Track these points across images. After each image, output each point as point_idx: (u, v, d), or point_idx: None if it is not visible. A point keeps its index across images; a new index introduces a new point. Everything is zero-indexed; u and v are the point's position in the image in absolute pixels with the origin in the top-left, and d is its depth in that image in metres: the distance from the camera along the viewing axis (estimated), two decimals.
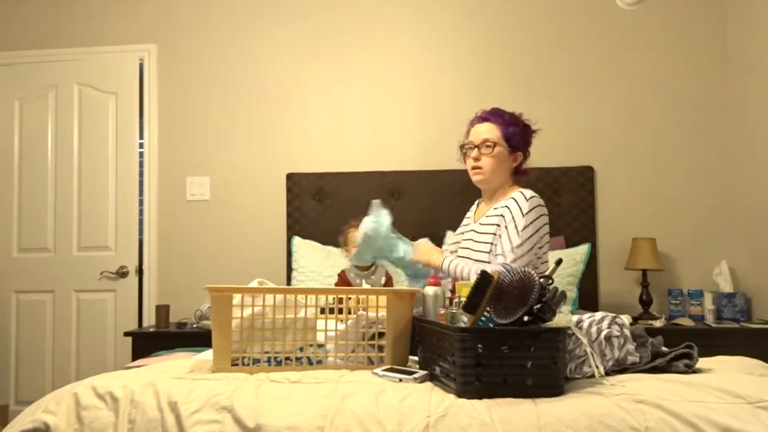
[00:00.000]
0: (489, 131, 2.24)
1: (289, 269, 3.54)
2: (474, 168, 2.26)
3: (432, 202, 3.61)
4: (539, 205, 2.18)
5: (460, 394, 1.41)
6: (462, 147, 2.33)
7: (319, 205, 3.70)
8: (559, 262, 1.62)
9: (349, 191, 3.67)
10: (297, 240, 3.55)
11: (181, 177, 3.89)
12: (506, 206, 2.19)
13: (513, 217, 2.15)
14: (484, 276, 1.53)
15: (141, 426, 1.44)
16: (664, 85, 3.62)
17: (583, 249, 3.32)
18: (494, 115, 2.27)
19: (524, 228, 2.12)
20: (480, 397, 1.40)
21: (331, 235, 3.50)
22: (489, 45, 3.75)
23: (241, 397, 1.45)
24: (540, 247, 2.17)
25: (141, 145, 3.95)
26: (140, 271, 3.89)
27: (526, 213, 2.13)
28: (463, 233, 2.40)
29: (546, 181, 3.55)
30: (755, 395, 1.38)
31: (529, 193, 2.19)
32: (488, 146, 2.22)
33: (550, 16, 3.72)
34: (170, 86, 3.94)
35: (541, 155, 3.54)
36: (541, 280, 1.48)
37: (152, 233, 3.88)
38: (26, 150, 3.98)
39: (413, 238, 3.46)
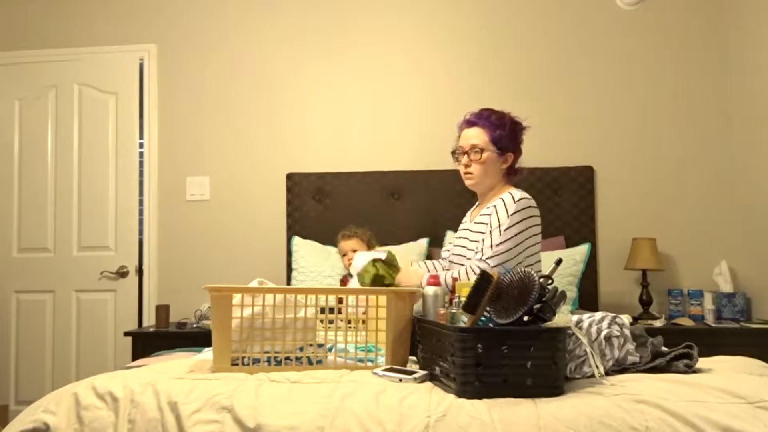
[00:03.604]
0: (477, 136, 2.25)
1: (289, 269, 3.54)
2: (466, 173, 2.29)
3: (432, 202, 3.61)
4: (528, 207, 2.17)
5: (460, 394, 1.41)
6: (454, 153, 2.34)
7: (319, 205, 3.70)
8: (559, 262, 1.61)
9: (349, 191, 3.68)
10: (297, 240, 3.55)
11: (181, 177, 3.89)
12: (494, 206, 2.19)
13: (498, 217, 2.15)
14: (484, 276, 1.52)
15: (141, 426, 1.44)
16: (664, 85, 3.62)
17: (583, 249, 3.32)
18: (482, 119, 2.27)
19: (507, 228, 2.12)
20: (480, 397, 1.40)
21: (331, 235, 3.49)
22: (489, 45, 3.75)
23: (241, 397, 1.45)
24: (526, 248, 2.16)
25: (141, 145, 3.94)
26: (140, 271, 3.88)
27: (512, 213, 2.13)
28: (458, 234, 2.42)
29: (546, 181, 3.55)
30: (755, 395, 1.38)
31: (518, 194, 2.19)
32: (477, 152, 2.24)
33: (550, 16, 3.72)
34: (170, 86, 3.94)
35: (541, 155, 3.59)
36: (541, 280, 1.48)
37: (152, 233, 3.88)
38: (26, 150, 3.98)
39: (413, 238, 3.54)
